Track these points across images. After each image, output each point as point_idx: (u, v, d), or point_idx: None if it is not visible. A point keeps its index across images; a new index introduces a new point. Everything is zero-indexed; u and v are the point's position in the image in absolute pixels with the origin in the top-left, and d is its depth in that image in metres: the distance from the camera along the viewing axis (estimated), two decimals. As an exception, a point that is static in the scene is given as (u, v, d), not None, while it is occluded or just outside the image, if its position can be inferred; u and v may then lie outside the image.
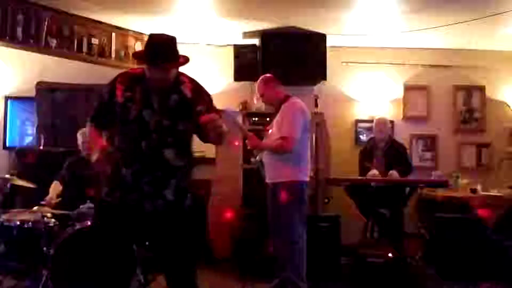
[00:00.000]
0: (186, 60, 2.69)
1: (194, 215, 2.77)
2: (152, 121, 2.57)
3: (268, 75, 4.24)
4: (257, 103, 5.28)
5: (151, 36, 2.65)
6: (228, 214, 5.36)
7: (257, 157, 4.18)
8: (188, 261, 2.69)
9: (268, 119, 4.43)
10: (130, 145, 2.59)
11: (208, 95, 2.78)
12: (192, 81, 2.75)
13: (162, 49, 2.56)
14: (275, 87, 4.13)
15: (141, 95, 2.60)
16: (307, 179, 4.02)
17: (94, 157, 2.56)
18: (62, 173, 4.38)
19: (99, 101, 2.72)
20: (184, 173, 2.68)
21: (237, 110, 5.74)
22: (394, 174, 4.91)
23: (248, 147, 4.18)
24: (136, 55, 2.70)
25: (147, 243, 3.22)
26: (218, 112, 2.66)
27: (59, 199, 4.22)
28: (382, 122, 5.35)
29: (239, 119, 5.36)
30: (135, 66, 5.69)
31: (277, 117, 4.03)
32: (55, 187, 4.29)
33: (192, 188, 2.79)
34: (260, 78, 4.19)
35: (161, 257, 2.72)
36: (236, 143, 5.44)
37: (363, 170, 5.21)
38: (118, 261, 2.73)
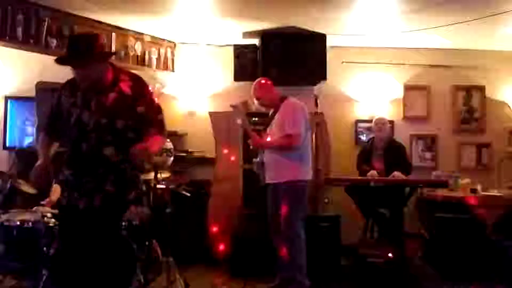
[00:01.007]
0: (105, 56, 2.74)
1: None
2: (90, 122, 2.64)
3: (262, 78, 4.31)
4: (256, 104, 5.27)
5: (70, 37, 2.76)
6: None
7: (258, 158, 4.18)
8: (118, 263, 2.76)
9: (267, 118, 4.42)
10: (71, 147, 2.69)
11: (150, 94, 2.80)
12: (133, 78, 2.77)
13: (74, 48, 2.60)
14: (270, 89, 4.20)
15: (82, 98, 2.67)
16: (309, 177, 4.04)
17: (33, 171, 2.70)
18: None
19: (49, 110, 2.81)
20: (125, 167, 2.70)
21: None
22: (398, 174, 4.91)
23: (251, 147, 4.19)
24: (56, 59, 2.74)
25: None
26: (156, 116, 2.75)
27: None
28: (381, 122, 5.36)
29: (239, 120, 5.36)
30: (135, 66, 5.73)
31: (277, 117, 4.06)
32: (56, 190, 4.29)
33: (136, 185, 2.82)
34: (255, 82, 4.25)
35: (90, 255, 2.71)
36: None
37: (361, 173, 5.21)
38: (118, 261, 2.74)
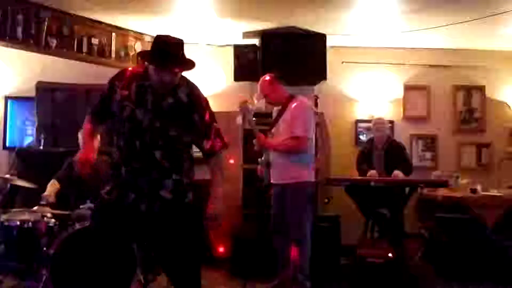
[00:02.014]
0: (193, 65, 2.66)
1: (195, 212, 2.75)
2: (145, 120, 2.56)
3: (270, 75, 4.21)
4: (257, 103, 5.27)
5: (160, 37, 2.63)
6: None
7: (263, 158, 4.15)
8: (190, 259, 2.68)
9: (268, 118, 4.40)
10: (126, 143, 2.60)
11: (204, 100, 2.72)
12: (189, 84, 2.69)
13: (173, 52, 2.55)
14: (279, 87, 4.12)
15: (136, 93, 2.58)
16: (313, 178, 4.03)
17: (76, 158, 2.59)
18: (60, 172, 4.38)
19: (100, 96, 2.71)
20: (181, 174, 2.67)
21: (237, 110, 5.74)
22: (399, 174, 4.91)
23: (256, 148, 4.14)
24: (143, 55, 2.66)
25: (145, 243, 3.19)
26: (213, 128, 2.68)
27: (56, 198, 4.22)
28: (380, 122, 5.37)
29: (239, 120, 5.35)
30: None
31: (285, 116, 4.01)
32: (53, 185, 4.29)
33: (193, 187, 2.78)
34: (263, 78, 4.16)
35: (162, 257, 2.72)
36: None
37: (361, 173, 5.21)
38: (118, 261, 2.73)
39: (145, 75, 2.59)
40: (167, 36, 2.65)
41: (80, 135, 4.29)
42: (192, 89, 2.67)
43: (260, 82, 4.17)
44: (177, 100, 2.59)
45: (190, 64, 2.62)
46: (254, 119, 4.18)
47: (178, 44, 2.62)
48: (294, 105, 3.97)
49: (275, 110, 4.22)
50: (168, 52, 2.53)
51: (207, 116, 2.66)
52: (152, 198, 2.59)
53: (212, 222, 2.68)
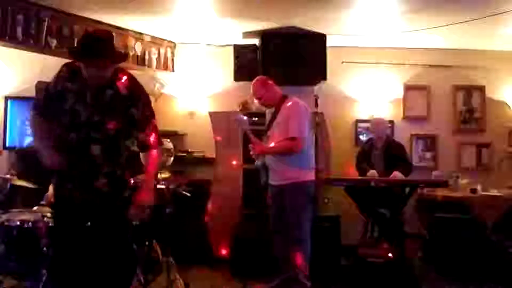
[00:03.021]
0: (121, 58, 2.73)
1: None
2: (83, 115, 2.62)
3: (263, 76, 4.25)
4: (257, 103, 5.28)
5: (86, 32, 2.74)
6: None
7: (259, 161, 4.16)
8: (119, 259, 2.74)
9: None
10: (62, 136, 2.67)
11: (145, 95, 2.78)
12: (131, 79, 2.74)
13: (96, 46, 2.56)
14: (271, 88, 4.12)
15: (78, 87, 2.64)
16: (313, 178, 4.02)
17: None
18: None
19: (45, 91, 2.75)
20: (115, 168, 2.71)
21: (237, 110, 5.74)
22: (397, 175, 4.91)
23: (252, 153, 4.14)
24: (71, 51, 2.73)
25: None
26: (151, 123, 2.74)
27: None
28: (378, 122, 5.36)
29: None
30: (135, 66, 5.73)
31: (279, 118, 4.01)
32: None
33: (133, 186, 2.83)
34: (256, 80, 4.17)
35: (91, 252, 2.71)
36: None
37: (361, 172, 5.21)
38: (118, 261, 2.74)
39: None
40: (94, 31, 2.73)
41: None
42: (133, 83, 2.73)
43: (252, 84, 4.17)
44: (116, 92, 2.65)
45: (117, 58, 2.67)
46: (255, 118, 4.18)
47: (103, 37, 2.64)
48: (287, 106, 3.98)
49: (268, 112, 4.22)
50: (92, 47, 2.55)
51: (146, 111, 2.73)
52: (87, 189, 2.65)
53: (137, 212, 2.70)
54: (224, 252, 5.29)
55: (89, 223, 2.73)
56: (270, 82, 4.14)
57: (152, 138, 2.75)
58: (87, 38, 2.64)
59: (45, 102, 2.75)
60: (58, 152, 2.67)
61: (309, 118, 3.99)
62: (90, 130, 2.63)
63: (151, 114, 2.78)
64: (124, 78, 2.71)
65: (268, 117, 4.24)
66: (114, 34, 5.40)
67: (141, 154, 2.82)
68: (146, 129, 2.74)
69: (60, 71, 2.72)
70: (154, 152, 2.79)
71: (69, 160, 2.65)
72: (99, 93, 2.64)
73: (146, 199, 2.73)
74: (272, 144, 4.01)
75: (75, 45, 2.70)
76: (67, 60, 5.76)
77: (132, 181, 2.91)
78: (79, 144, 2.64)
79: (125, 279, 2.84)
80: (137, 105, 2.70)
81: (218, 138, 5.50)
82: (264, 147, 4.07)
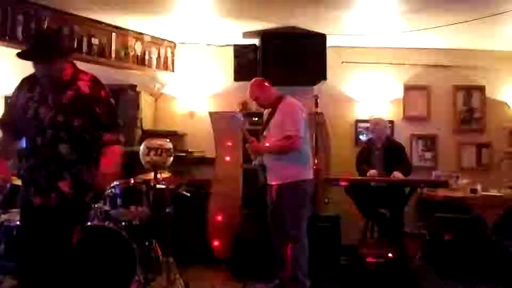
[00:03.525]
0: (67, 51, 2.78)
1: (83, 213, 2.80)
2: (47, 118, 2.65)
3: (259, 78, 4.30)
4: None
5: (32, 33, 2.74)
6: (226, 215, 5.37)
7: (257, 161, 4.18)
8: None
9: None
10: (27, 142, 2.71)
11: (108, 96, 2.80)
12: (93, 80, 2.77)
13: (37, 44, 2.64)
14: (267, 89, 4.16)
15: (39, 93, 2.69)
16: (311, 177, 4.04)
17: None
18: None
19: (7, 106, 2.85)
20: (81, 167, 2.71)
21: (237, 110, 5.75)
22: (397, 174, 4.91)
23: (250, 152, 4.16)
24: (17, 54, 2.77)
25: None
26: (116, 122, 2.78)
27: None
28: (377, 122, 5.36)
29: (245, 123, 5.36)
30: (135, 66, 5.73)
31: (276, 118, 4.04)
32: None
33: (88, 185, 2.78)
34: (252, 82, 4.23)
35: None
36: (228, 158, 5.46)
37: (361, 173, 5.21)
38: (118, 261, 2.74)
39: None
40: (41, 30, 2.76)
41: None
42: (94, 82, 2.76)
43: (248, 85, 4.21)
44: (77, 92, 2.68)
45: (62, 53, 2.69)
46: (256, 118, 4.19)
47: (45, 34, 2.74)
48: (282, 106, 4.01)
49: (266, 112, 4.25)
50: (33, 44, 2.66)
51: (109, 109, 2.77)
52: (48, 191, 2.64)
53: (102, 181, 2.72)
54: (216, 243, 5.29)
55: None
56: (266, 83, 4.20)
57: (113, 136, 2.77)
58: (28, 38, 2.73)
59: (6, 117, 2.85)
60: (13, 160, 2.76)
61: (304, 117, 4.01)
62: (56, 130, 2.65)
63: (115, 112, 2.82)
64: (85, 78, 2.75)
65: (265, 118, 4.26)
66: (113, 34, 5.51)
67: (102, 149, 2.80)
68: (109, 129, 2.76)
69: (19, 85, 2.82)
70: (114, 146, 2.78)
71: (34, 164, 2.67)
72: (59, 93, 2.68)
73: (110, 168, 2.70)
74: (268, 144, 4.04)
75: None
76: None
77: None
78: (46, 145, 2.65)
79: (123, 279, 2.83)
80: (99, 104, 2.73)
81: (230, 143, 5.50)
82: (261, 146, 4.10)
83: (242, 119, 4.40)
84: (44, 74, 2.66)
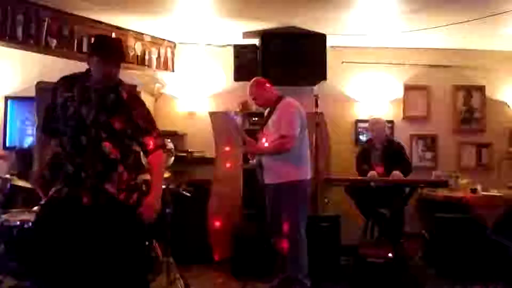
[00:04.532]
0: (123, 57, 2.94)
1: (134, 215, 2.77)
2: (89, 116, 2.68)
3: (259, 78, 4.30)
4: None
5: (102, 35, 2.96)
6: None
7: (255, 160, 4.19)
8: (125, 268, 2.69)
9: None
10: (70, 141, 2.70)
11: (144, 105, 2.86)
12: (131, 89, 2.91)
13: (116, 46, 2.80)
14: (267, 88, 4.17)
15: (80, 92, 2.72)
16: (309, 177, 4.04)
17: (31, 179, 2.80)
18: None
19: (45, 109, 2.84)
20: (126, 168, 2.73)
21: (237, 110, 5.75)
22: (397, 174, 4.91)
23: (246, 152, 4.18)
24: (93, 47, 2.88)
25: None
26: (155, 127, 2.82)
27: None
28: (376, 122, 5.36)
29: (239, 121, 5.37)
30: (135, 66, 5.73)
31: (273, 117, 4.04)
32: None
33: (140, 189, 2.81)
34: (252, 81, 4.23)
35: (95, 260, 2.68)
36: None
37: (361, 172, 5.21)
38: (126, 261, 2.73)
39: (87, 76, 2.75)
40: (108, 36, 2.86)
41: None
42: (131, 90, 2.90)
43: (248, 86, 4.22)
44: (119, 96, 2.74)
45: (123, 59, 2.90)
46: (256, 118, 4.19)
47: (120, 41, 2.92)
48: (280, 106, 4.02)
49: (266, 112, 4.26)
50: (113, 46, 2.80)
51: (147, 115, 2.82)
52: (96, 191, 2.66)
53: (146, 213, 2.71)
54: (221, 247, 5.29)
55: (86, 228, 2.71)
56: (266, 83, 4.20)
57: (157, 141, 2.80)
58: (105, 39, 2.90)
59: (46, 121, 2.84)
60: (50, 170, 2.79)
61: (302, 118, 4.01)
62: (98, 129, 2.67)
63: (152, 119, 2.86)
64: (125, 85, 2.83)
65: (265, 117, 4.26)
66: (113, 34, 5.50)
67: (147, 158, 2.83)
68: (151, 132, 2.79)
69: (55, 85, 2.80)
70: (159, 153, 2.82)
71: (82, 162, 2.67)
72: (102, 95, 2.72)
73: (154, 202, 2.73)
74: (266, 144, 4.05)
75: (93, 45, 2.85)
76: (67, 60, 5.79)
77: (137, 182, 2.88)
78: (90, 144, 2.67)
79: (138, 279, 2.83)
80: (137, 109, 2.77)
81: (230, 143, 5.50)
82: (256, 147, 4.11)
83: (235, 116, 4.40)
84: (110, 74, 2.71)
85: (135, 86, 5.75)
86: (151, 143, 2.77)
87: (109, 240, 2.66)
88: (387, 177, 4.96)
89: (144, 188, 2.82)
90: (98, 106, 2.69)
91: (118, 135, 2.70)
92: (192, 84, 6.16)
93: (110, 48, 2.75)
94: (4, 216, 3.82)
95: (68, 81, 2.79)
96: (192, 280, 4.29)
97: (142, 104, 2.84)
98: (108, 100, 2.71)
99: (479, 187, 5.30)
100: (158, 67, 5.96)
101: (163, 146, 2.87)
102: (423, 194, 5.62)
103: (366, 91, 6.25)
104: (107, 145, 2.67)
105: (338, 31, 5.60)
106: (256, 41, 5.84)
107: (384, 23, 5.37)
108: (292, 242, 3.90)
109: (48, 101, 2.82)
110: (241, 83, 5.83)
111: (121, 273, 2.68)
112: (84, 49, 5.27)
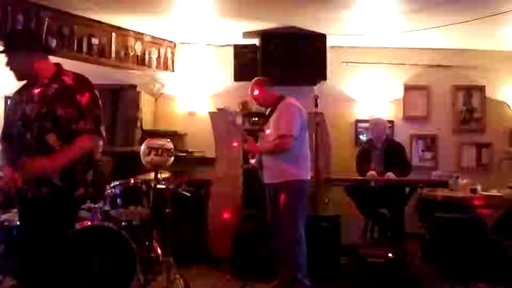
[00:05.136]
0: (24, 46, 2.87)
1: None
2: (33, 113, 2.71)
3: (260, 78, 4.30)
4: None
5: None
6: (226, 215, 5.37)
7: (255, 159, 4.20)
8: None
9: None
10: (17, 139, 2.75)
11: (93, 89, 2.83)
12: (78, 75, 2.85)
13: (6, 38, 2.90)
14: (268, 89, 4.17)
15: (26, 94, 2.80)
16: (308, 177, 4.04)
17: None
18: None
19: (4, 117, 2.94)
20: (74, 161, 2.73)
21: (237, 110, 5.75)
22: (390, 175, 4.91)
23: (245, 150, 4.19)
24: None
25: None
26: (92, 111, 2.77)
27: None
28: (376, 123, 5.36)
29: (239, 119, 5.36)
30: (135, 66, 5.73)
31: (274, 117, 4.05)
32: None
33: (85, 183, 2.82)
34: (252, 81, 4.24)
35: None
36: (235, 144, 5.44)
37: (361, 173, 5.21)
38: (118, 261, 2.74)
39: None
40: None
41: None
42: (80, 77, 2.85)
43: (249, 86, 4.22)
44: (62, 84, 2.77)
45: (20, 48, 2.84)
46: (256, 118, 4.20)
47: (13, 33, 3.11)
48: (281, 105, 4.02)
49: (268, 111, 4.26)
50: (6, 42, 2.87)
51: (88, 99, 2.77)
52: (43, 185, 2.67)
53: (21, 170, 2.67)
54: (221, 247, 5.29)
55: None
56: (267, 83, 4.20)
57: (87, 125, 2.75)
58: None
59: (4, 128, 2.91)
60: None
61: (302, 118, 4.01)
62: (41, 122, 2.69)
63: (95, 104, 2.80)
64: (69, 74, 2.85)
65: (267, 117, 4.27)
66: (113, 34, 5.51)
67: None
68: (85, 116, 2.75)
69: (12, 96, 2.95)
70: (85, 137, 2.75)
71: (26, 158, 2.69)
72: (44, 88, 2.76)
73: (36, 166, 2.65)
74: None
75: None
76: (67, 60, 5.80)
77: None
78: (35, 138, 2.69)
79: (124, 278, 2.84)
80: (81, 92, 2.76)
81: (229, 143, 5.50)
82: (255, 146, 4.12)
83: (233, 114, 4.40)
84: (18, 68, 2.81)
85: (135, 86, 5.78)
86: (81, 128, 2.74)
87: (42, 231, 2.67)
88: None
89: (89, 183, 2.84)
90: (40, 100, 2.73)
91: (62, 122, 2.70)
92: (192, 84, 6.17)
93: (4, 44, 2.81)
94: (4, 216, 3.82)
95: (21, 88, 2.91)
96: (192, 280, 4.28)
97: (89, 89, 2.80)
98: (50, 91, 2.75)
99: (479, 187, 5.31)
100: (158, 67, 5.97)
101: (93, 131, 2.76)
102: (423, 194, 5.62)
103: (366, 91, 6.25)
104: (51, 137, 2.68)
105: (338, 31, 5.60)
106: (256, 41, 5.84)
107: (384, 23, 5.37)
108: (292, 242, 3.90)
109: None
110: (241, 83, 5.83)
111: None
112: (84, 49, 5.28)
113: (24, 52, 2.79)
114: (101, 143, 2.87)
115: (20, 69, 2.82)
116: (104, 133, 2.84)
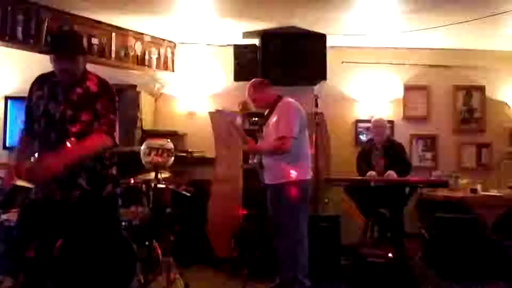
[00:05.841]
0: (84, 49, 2.98)
1: (110, 207, 2.87)
2: (57, 113, 2.73)
3: (257, 79, 4.30)
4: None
5: (57, 33, 3.01)
6: (226, 215, 5.37)
7: (255, 160, 4.19)
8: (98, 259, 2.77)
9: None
10: (42, 138, 2.77)
11: (113, 94, 2.88)
12: (101, 80, 2.88)
13: (67, 41, 2.81)
14: (266, 90, 4.16)
15: (49, 89, 2.78)
16: (309, 177, 4.03)
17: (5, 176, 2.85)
18: None
19: (25, 110, 2.90)
20: (95, 162, 2.78)
21: (237, 110, 5.75)
22: (391, 174, 4.91)
23: (245, 151, 4.19)
24: (46, 44, 2.92)
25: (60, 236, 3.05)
26: (108, 116, 2.80)
27: None
28: (378, 123, 5.36)
29: (239, 119, 5.35)
30: (135, 66, 5.73)
31: (272, 118, 4.04)
32: None
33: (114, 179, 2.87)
34: (250, 83, 4.23)
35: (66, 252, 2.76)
36: (229, 144, 5.45)
37: (361, 173, 5.21)
38: (118, 261, 2.75)
39: (53, 73, 2.80)
40: (62, 31, 2.86)
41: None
42: (103, 81, 2.88)
43: (247, 87, 4.22)
44: (86, 90, 2.79)
45: (84, 50, 2.94)
46: (256, 118, 4.19)
47: (71, 34, 3.02)
48: (279, 106, 4.01)
49: (267, 111, 4.25)
50: (61, 41, 2.83)
51: (108, 105, 2.82)
52: (70, 187, 2.71)
53: (35, 171, 2.68)
54: (222, 252, 5.29)
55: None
56: (265, 84, 4.19)
57: (103, 127, 2.78)
58: (55, 35, 2.95)
59: (27, 122, 2.89)
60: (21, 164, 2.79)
61: (301, 118, 4.00)
62: (65, 125, 2.72)
63: (112, 110, 2.84)
64: (94, 78, 2.87)
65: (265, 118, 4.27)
66: (113, 34, 5.51)
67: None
68: (102, 120, 2.79)
69: (31, 85, 2.87)
70: (100, 135, 2.78)
71: None
72: (69, 90, 2.77)
73: (53, 164, 2.61)
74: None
75: (49, 43, 2.92)
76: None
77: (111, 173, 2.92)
78: (59, 140, 2.70)
79: (124, 278, 2.85)
80: (102, 98, 2.80)
81: (229, 143, 5.50)
82: (255, 146, 4.12)
83: (235, 115, 4.40)
84: (66, 69, 2.74)
85: (135, 86, 5.78)
86: (95, 127, 2.77)
87: (87, 233, 2.72)
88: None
89: (117, 180, 2.87)
90: (65, 102, 2.75)
91: (85, 128, 2.73)
92: (192, 84, 6.17)
93: (60, 45, 2.77)
94: (4, 216, 3.82)
95: (40, 79, 2.86)
96: (192, 280, 4.28)
97: (109, 93, 2.84)
98: (74, 95, 2.76)
99: (479, 187, 5.31)
100: (158, 67, 5.97)
101: (106, 132, 2.79)
102: (423, 194, 5.62)
103: (366, 91, 6.25)
104: (74, 140, 2.69)
105: (338, 31, 5.60)
106: (256, 41, 5.84)
107: (384, 23, 5.37)
108: (293, 243, 3.90)
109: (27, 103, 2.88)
110: (241, 83, 5.82)
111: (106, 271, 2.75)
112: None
113: (83, 56, 2.85)
114: (111, 146, 2.89)
115: (77, 72, 2.80)
116: (116, 139, 2.87)
